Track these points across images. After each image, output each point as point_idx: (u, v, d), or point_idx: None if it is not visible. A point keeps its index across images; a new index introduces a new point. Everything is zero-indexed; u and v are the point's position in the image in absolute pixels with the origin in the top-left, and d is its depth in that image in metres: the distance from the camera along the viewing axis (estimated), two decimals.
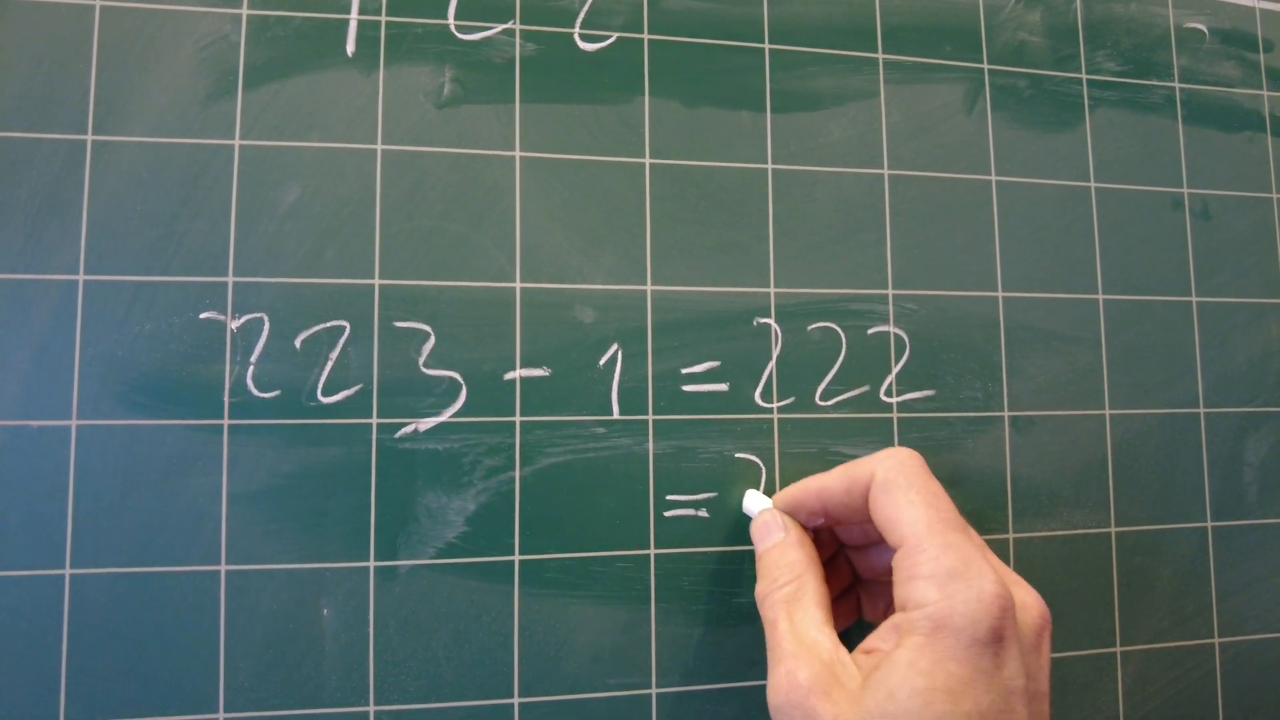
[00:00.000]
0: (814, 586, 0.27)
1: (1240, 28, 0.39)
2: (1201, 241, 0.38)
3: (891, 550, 0.26)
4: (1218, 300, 0.38)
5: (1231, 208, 0.38)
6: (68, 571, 0.28)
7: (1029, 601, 0.25)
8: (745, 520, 0.32)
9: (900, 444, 0.34)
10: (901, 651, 0.23)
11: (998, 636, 0.23)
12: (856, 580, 0.32)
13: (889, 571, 0.30)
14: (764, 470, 0.33)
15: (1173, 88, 0.38)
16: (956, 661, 0.22)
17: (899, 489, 0.26)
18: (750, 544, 0.32)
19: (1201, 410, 0.37)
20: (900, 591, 0.25)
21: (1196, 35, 0.39)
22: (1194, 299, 0.37)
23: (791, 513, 0.30)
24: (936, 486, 0.26)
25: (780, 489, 0.32)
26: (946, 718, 0.22)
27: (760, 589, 0.28)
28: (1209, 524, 0.37)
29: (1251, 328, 0.38)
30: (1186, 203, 0.38)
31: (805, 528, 0.30)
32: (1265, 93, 0.39)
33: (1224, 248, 0.38)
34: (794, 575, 0.28)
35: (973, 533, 0.27)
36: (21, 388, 0.28)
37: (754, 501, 0.32)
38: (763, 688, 0.32)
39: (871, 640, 0.25)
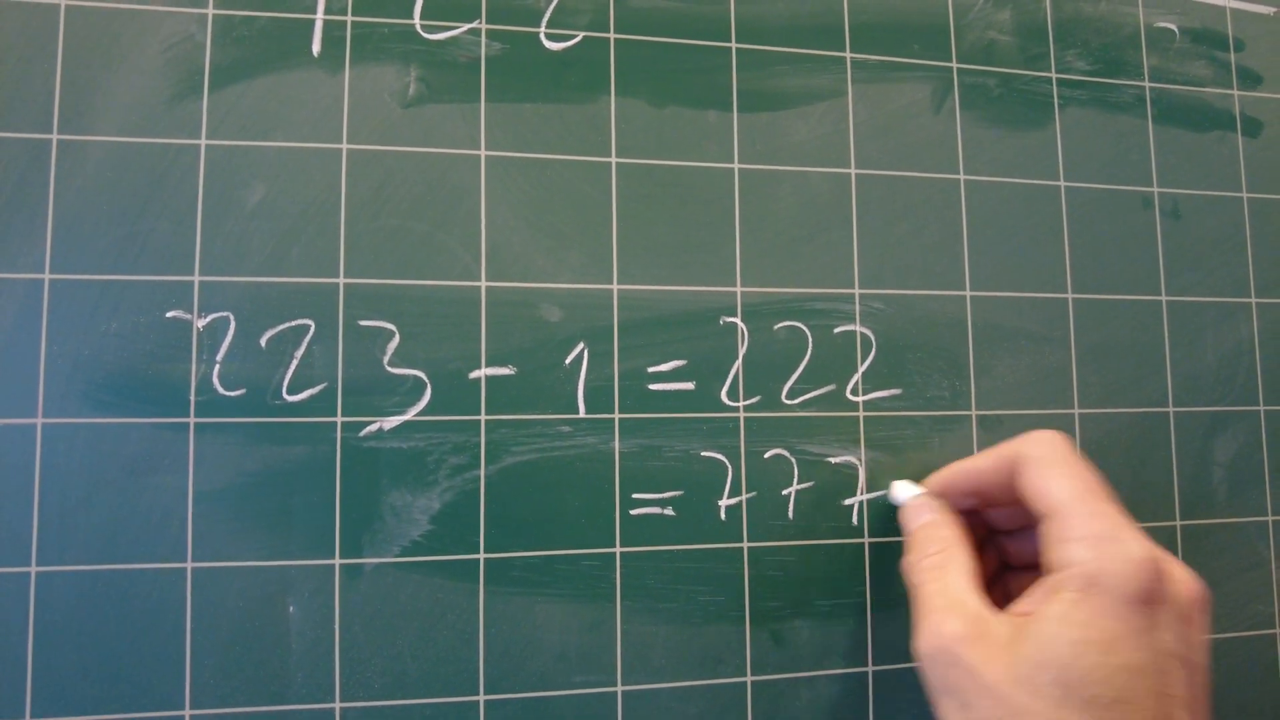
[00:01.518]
0: (962, 557, 0.28)
1: (1211, 27, 0.39)
2: (1171, 240, 0.38)
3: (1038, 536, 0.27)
4: (1187, 299, 0.38)
5: (1201, 207, 0.38)
6: (33, 569, 0.28)
7: (1182, 575, 0.25)
8: (711, 519, 0.32)
9: (866, 443, 0.34)
10: (1054, 606, 0.23)
11: (1150, 597, 0.23)
12: (1005, 568, 0.33)
13: (1037, 556, 0.30)
14: (729, 468, 0.33)
15: (1143, 87, 0.38)
16: (1110, 617, 0.23)
17: (1047, 463, 0.27)
18: (714, 541, 0.32)
19: (1171, 409, 0.37)
20: (1051, 554, 0.25)
21: (1167, 35, 0.39)
22: (1164, 298, 0.37)
23: (941, 496, 0.31)
24: (1084, 463, 0.27)
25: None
26: (1099, 669, 0.22)
27: (909, 559, 0.30)
28: (1178, 523, 0.37)
29: (1221, 327, 0.38)
30: (1156, 202, 0.38)
31: (956, 511, 0.31)
32: (1235, 92, 0.39)
33: (1194, 247, 0.38)
34: (943, 546, 0.29)
35: None
36: None
37: (903, 490, 0.33)
38: (729, 686, 0.32)
39: (1021, 604, 0.26)
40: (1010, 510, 0.31)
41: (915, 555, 0.29)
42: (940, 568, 0.28)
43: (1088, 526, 0.25)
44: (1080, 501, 0.25)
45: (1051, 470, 0.27)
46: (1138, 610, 0.23)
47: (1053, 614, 0.23)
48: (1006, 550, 0.32)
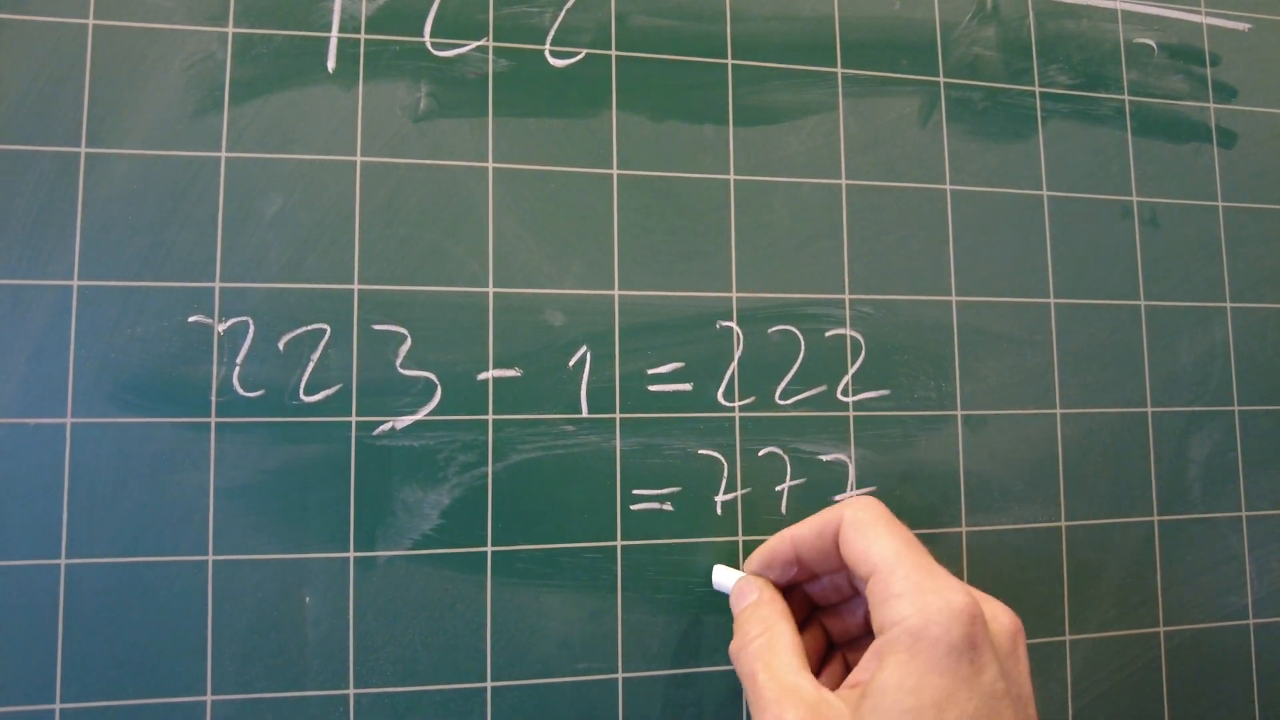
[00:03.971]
0: (787, 635, 0.28)
1: (1188, 43, 0.41)
2: (1150, 248, 0.39)
3: (863, 609, 0.28)
4: (1165, 304, 0.39)
5: (1178, 215, 0.40)
6: (63, 561, 0.30)
7: (998, 613, 0.27)
8: (708, 514, 0.34)
9: (856, 441, 0.35)
10: (886, 674, 0.24)
11: (972, 643, 0.24)
12: (832, 647, 0.33)
13: (860, 629, 0.31)
14: (725, 466, 0.34)
15: (1122, 100, 0.40)
16: (938, 672, 0.23)
17: (867, 524, 0.28)
18: (711, 535, 0.34)
19: (1149, 409, 0.39)
20: (877, 615, 0.26)
21: (1145, 50, 0.40)
22: (1142, 303, 0.39)
23: (763, 571, 0.32)
24: (901, 524, 0.28)
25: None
26: None
27: (734, 645, 0.29)
28: (1155, 518, 0.38)
29: (1197, 330, 0.39)
30: (1135, 211, 0.39)
31: (779, 586, 0.31)
32: (1211, 105, 0.41)
33: (1171, 254, 0.40)
34: (766, 627, 0.28)
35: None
36: (19, 387, 0.30)
37: (724, 575, 0.33)
38: (724, 673, 0.34)
39: (855, 675, 0.26)
40: (831, 582, 0.32)
41: (739, 641, 0.29)
42: (767, 649, 0.27)
43: (908, 579, 0.25)
44: (899, 557, 0.26)
45: (871, 530, 0.27)
46: (963, 658, 0.23)
47: (886, 683, 0.24)
48: (832, 630, 0.32)
